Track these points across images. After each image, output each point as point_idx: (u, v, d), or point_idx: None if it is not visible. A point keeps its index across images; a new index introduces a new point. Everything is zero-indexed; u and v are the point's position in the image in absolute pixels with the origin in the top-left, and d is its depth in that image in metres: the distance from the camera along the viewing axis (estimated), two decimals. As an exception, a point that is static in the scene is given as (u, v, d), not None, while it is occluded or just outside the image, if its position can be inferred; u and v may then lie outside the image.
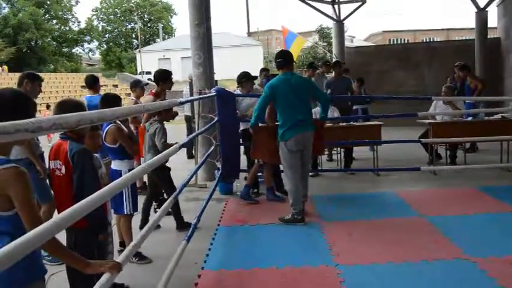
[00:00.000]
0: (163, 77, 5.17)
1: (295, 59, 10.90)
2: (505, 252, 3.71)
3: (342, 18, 14.94)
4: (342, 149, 7.27)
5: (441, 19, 79.81)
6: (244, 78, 5.90)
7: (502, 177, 6.45)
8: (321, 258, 3.73)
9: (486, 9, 13.03)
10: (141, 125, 5.31)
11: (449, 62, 10.33)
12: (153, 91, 5.41)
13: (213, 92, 5.82)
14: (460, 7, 64.01)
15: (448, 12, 77.13)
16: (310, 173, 5.65)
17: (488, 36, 13.42)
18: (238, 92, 6.04)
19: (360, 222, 4.68)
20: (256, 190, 5.85)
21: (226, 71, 27.64)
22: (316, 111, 5.70)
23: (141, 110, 3.80)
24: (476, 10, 13.05)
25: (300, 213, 4.64)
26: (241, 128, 5.83)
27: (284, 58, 4.81)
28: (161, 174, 4.40)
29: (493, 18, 14.00)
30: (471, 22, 13.37)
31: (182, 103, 3.82)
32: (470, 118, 7.20)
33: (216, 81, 9.79)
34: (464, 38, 29.71)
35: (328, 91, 7.29)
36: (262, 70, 7.12)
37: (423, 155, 7.26)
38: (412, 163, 6.83)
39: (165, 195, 4.67)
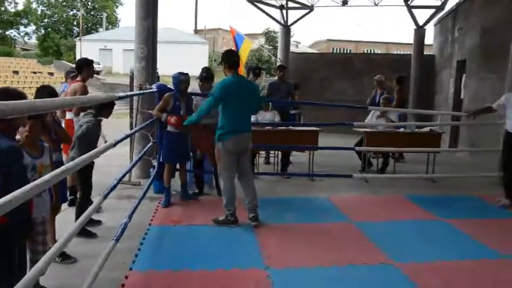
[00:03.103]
0: (87, 63, 5.27)
1: (245, 61, 10.97)
2: (427, 258, 3.93)
3: (289, 23, 15.17)
4: (279, 153, 7.37)
5: (382, 32, 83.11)
6: (208, 75, 5.67)
7: (428, 186, 6.81)
8: (252, 261, 3.75)
9: (424, 27, 13.78)
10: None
11: (388, 74, 10.78)
12: (79, 78, 5.22)
13: (153, 88, 5.69)
14: (401, 23, 67.15)
15: (389, 27, 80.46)
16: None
17: (425, 53, 14.20)
18: (198, 90, 5.81)
19: (292, 226, 4.77)
20: (199, 190, 5.84)
21: (170, 67, 27.15)
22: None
23: (76, 103, 3.67)
24: (415, 27, 13.77)
25: (233, 215, 4.63)
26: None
27: (238, 59, 4.80)
28: (80, 170, 4.08)
29: (430, 36, 14.86)
30: (410, 38, 14.08)
31: (121, 98, 3.69)
32: (402, 129, 7.55)
33: (159, 76, 9.62)
34: (402, 52, 31.15)
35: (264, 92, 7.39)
36: (255, 69, 7.28)
37: (356, 163, 7.52)
38: (345, 170, 7.04)
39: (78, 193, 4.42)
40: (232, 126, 4.52)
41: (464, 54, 10.83)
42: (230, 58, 4.66)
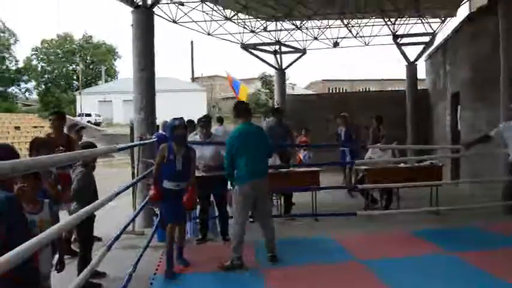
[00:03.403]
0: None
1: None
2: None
3: (283, 67, 15.54)
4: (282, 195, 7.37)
5: (376, 70, 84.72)
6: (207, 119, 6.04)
7: (432, 220, 6.77)
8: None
9: (415, 63, 14.12)
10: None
11: (384, 111, 10.95)
12: None
13: (153, 138, 5.78)
14: (393, 60, 68.53)
15: (383, 64, 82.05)
16: (250, 219, 5.67)
17: (419, 87, 14.47)
18: (197, 137, 5.97)
19: (298, 267, 4.72)
20: (202, 236, 5.83)
21: (169, 116, 27.49)
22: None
23: (78, 157, 3.73)
24: (406, 64, 14.11)
25: (240, 259, 4.65)
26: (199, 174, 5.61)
27: (246, 108, 5.17)
28: (80, 223, 4.01)
29: (422, 71, 15.21)
30: (403, 74, 14.40)
31: (121, 149, 3.77)
32: (402, 165, 7.60)
33: (158, 126, 9.75)
34: (397, 88, 31.66)
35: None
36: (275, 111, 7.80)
37: (359, 200, 7.51)
38: (348, 208, 7.03)
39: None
40: (248, 170, 4.72)
41: (457, 86, 11.03)
42: (239, 107, 5.10)
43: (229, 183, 5.28)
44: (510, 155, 5.80)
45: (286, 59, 15.75)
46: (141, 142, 5.99)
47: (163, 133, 6.15)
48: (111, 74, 55.92)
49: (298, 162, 9.09)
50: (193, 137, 6.22)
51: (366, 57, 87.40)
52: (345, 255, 5.10)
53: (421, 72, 15.20)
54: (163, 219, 4.87)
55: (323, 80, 46.65)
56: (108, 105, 43.22)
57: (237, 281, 4.36)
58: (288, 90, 30.08)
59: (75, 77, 53.39)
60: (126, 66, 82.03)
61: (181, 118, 4.71)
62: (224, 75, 16.39)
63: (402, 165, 7.59)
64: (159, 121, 7.61)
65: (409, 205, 7.79)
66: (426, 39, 13.94)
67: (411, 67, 14.09)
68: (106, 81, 51.45)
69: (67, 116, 6.25)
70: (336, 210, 7.13)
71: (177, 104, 30.70)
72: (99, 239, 5.20)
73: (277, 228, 6.39)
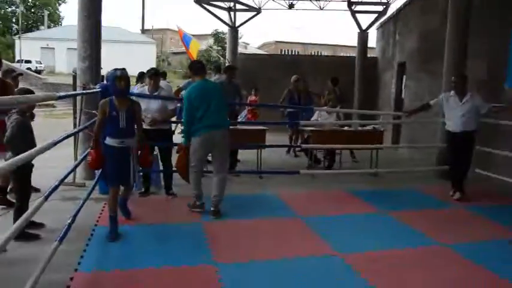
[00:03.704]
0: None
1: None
2: (368, 248, 4.12)
3: (236, 25, 15.27)
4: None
5: (330, 35, 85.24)
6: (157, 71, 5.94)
7: (371, 181, 7.12)
8: (201, 258, 3.79)
9: (367, 31, 14.34)
10: None
11: (333, 76, 11.09)
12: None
13: (97, 88, 5.57)
14: (346, 26, 69.19)
15: (337, 30, 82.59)
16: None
17: (368, 55, 14.76)
18: (145, 89, 5.82)
19: (241, 221, 4.86)
20: (145, 189, 5.81)
21: (117, 67, 26.46)
22: None
23: (13, 102, 3.54)
24: (358, 31, 14.30)
25: (202, 199, 5.11)
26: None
27: (202, 66, 5.30)
28: (16, 172, 3.78)
29: (374, 39, 15.48)
30: (355, 41, 14.60)
31: (61, 97, 3.61)
32: (346, 128, 7.84)
33: (103, 76, 9.38)
34: (348, 55, 32.12)
35: None
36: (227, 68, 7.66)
37: (304, 160, 7.73)
38: (292, 167, 7.21)
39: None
40: (206, 123, 4.87)
41: (404, 56, 11.37)
42: (196, 65, 5.26)
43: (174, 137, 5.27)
44: (446, 124, 6.16)
45: (240, 17, 15.49)
46: (84, 92, 5.77)
47: (106, 83, 5.93)
48: (55, 20, 52.57)
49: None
50: (141, 89, 6.08)
51: (320, 21, 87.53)
52: (286, 212, 5.28)
53: (373, 40, 15.53)
54: (107, 179, 4.45)
55: (276, 41, 46.42)
56: (50, 53, 40.84)
57: (177, 233, 4.42)
58: (241, 49, 29.74)
59: (14, 20, 49.80)
60: (71, 12, 77.42)
61: (124, 69, 4.26)
62: (176, 29, 15.88)
63: (346, 128, 7.83)
64: (104, 72, 7.32)
65: (351, 167, 8.15)
66: (380, 8, 14.12)
67: (363, 35, 14.32)
68: (49, 26, 48.33)
69: (3, 61, 5.84)
70: (280, 168, 7.30)
71: (125, 56, 29.61)
72: (37, 190, 5.04)
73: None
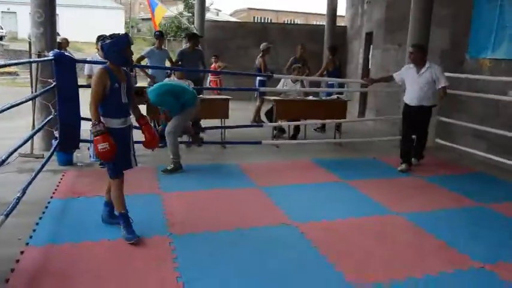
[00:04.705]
0: None
1: (157, 28, 10.92)
2: (323, 217, 4.19)
3: (205, -10, 14.85)
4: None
5: (302, 3, 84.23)
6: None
7: (334, 151, 7.20)
8: (156, 229, 3.77)
9: (337, -1, 14.19)
10: None
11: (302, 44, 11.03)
12: None
13: (50, 56, 5.35)
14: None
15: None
16: (160, 144, 5.64)
17: (339, 24, 14.64)
18: (97, 56, 5.75)
19: (199, 192, 4.83)
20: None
21: (84, 33, 25.59)
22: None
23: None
24: (327, -2, 14.13)
25: (179, 162, 5.52)
26: None
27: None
28: None
29: (344, 8, 15.34)
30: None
31: (3, 66, 3.44)
32: (311, 97, 7.84)
33: (67, 39, 9.03)
34: (320, 23, 31.89)
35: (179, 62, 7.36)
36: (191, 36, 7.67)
37: (268, 129, 7.72)
38: (257, 137, 7.21)
39: None
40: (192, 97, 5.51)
41: (371, 26, 11.34)
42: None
43: None
44: (404, 95, 6.15)
45: (209, -18, 15.06)
46: (37, 59, 5.54)
47: (60, 51, 5.71)
48: (16, -18, 50.02)
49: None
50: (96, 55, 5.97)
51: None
52: (246, 182, 5.29)
53: (344, 8, 15.37)
54: (109, 170, 3.59)
55: (248, 8, 45.62)
56: (12, 17, 39.02)
57: (134, 205, 4.34)
58: (212, 16, 29.14)
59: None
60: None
61: (127, 34, 3.65)
62: (143, -7, 15.34)
63: (311, 97, 7.82)
64: (72, 38, 7.04)
65: (316, 136, 8.20)
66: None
67: (332, 3, 14.15)
68: (10, -11, 45.97)
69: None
70: (244, 138, 7.28)
71: (90, 22, 28.58)
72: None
73: (184, 154, 6.47)
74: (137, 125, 3.79)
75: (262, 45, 9.22)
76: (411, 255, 3.48)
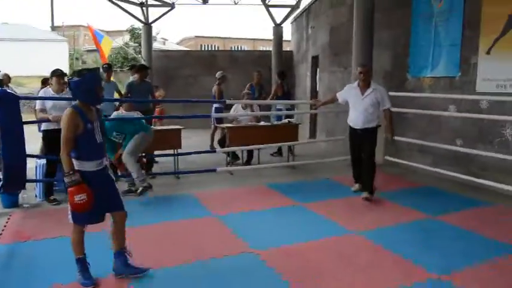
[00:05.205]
0: None
1: (106, 60, 10.87)
2: (283, 242, 4.17)
3: (150, 21, 14.84)
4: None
5: (249, 29, 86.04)
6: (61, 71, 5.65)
7: (288, 174, 7.27)
8: (108, 268, 3.60)
9: (282, 25, 14.61)
10: None
11: (249, 70, 11.23)
12: None
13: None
14: (264, 21, 69.97)
15: (256, 24, 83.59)
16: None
17: (285, 49, 15.02)
18: (50, 90, 5.56)
19: (154, 226, 4.70)
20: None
21: (26, 67, 24.75)
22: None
23: None
24: (273, 25, 14.52)
25: (146, 182, 5.64)
26: (44, 128, 5.53)
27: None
28: None
29: (289, 33, 15.79)
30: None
31: None
32: (262, 123, 7.93)
33: (8, 75, 8.66)
34: (268, 48, 32.57)
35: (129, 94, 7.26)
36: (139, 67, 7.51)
37: (222, 157, 7.71)
38: (211, 165, 7.17)
39: None
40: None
41: (317, 50, 11.71)
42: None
43: None
44: (348, 117, 5.94)
45: (154, 12, 15.06)
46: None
47: (2, 88, 5.48)
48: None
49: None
50: (44, 89, 5.80)
51: (239, 16, 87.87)
52: (201, 211, 5.21)
53: (289, 34, 15.82)
54: (77, 217, 3.28)
55: (195, 36, 45.93)
56: None
57: (85, 241, 4.18)
58: (159, 46, 29.06)
59: None
60: (-31, 9, 71.21)
61: (97, 70, 3.52)
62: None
63: (262, 123, 7.91)
64: (14, 72, 6.77)
65: (270, 160, 8.27)
66: (293, 2, 14.42)
67: (278, 29, 14.57)
68: None
69: None
70: (198, 167, 7.22)
71: (34, 55, 27.72)
72: None
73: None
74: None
75: (218, 74, 9.30)
76: (372, 273, 3.53)
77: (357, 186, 6.09)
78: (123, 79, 12.52)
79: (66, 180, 3.08)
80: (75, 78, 3.18)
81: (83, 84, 3.16)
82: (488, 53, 6.11)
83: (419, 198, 5.74)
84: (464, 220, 4.82)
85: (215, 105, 9.09)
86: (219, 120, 8.58)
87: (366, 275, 3.49)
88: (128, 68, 9.15)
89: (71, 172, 3.07)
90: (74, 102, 3.30)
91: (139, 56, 14.70)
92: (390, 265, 3.68)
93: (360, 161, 5.90)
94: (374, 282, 3.35)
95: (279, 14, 14.67)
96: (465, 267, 3.57)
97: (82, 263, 3.35)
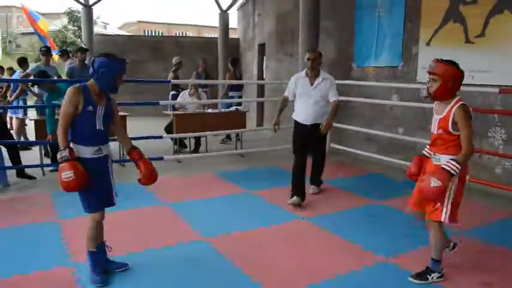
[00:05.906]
0: None
1: (51, 40, 10.25)
2: (234, 229, 4.18)
3: (90, 3, 14.18)
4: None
5: (194, 16, 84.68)
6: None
7: (237, 162, 7.26)
8: (56, 260, 3.46)
9: (228, 12, 14.46)
10: None
11: (195, 57, 11.07)
12: None
13: None
14: (210, 7, 69.15)
15: (201, 10, 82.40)
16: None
17: (231, 36, 14.90)
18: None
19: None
20: None
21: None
22: None
23: None
24: (219, 11, 14.34)
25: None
26: None
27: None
28: None
29: (235, 20, 15.67)
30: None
31: None
32: (210, 110, 7.85)
33: None
34: (213, 35, 32.22)
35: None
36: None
37: (170, 145, 7.57)
38: (158, 153, 7.00)
39: None
40: None
41: (263, 37, 11.72)
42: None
43: None
44: (294, 111, 5.35)
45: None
46: None
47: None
48: None
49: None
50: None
51: (183, 1, 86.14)
52: (151, 200, 5.10)
53: (235, 21, 15.71)
54: (85, 203, 3.23)
55: (138, 21, 44.59)
56: None
57: (31, 237, 3.98)
58: (100, 30, 27.91)
59: None
60: None
61: (124, 61, 3.14)
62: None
63: (210, 110, 7.83)
64: None
65: (219, 148, 8.21)
66: (239, -12, 14.31)
67: (224, 15, 14.40)
68: None
69: None
70: (145, 154, 7.00)
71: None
72: None
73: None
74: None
75: (175, 59, 8.99)
76: (323, 257, 3.61)
77: (295, 199, 4.92)
78: (62, 64, 11.95)
79: (57, 156, 2.90)
80: (102, 58, 2.96)
81: (106, 67, 2.94)
82: (428, 44, 6.37)
83: (364, 185, 5.94)
84: (407, 204, 5.02)
85: (172, 92, 8.85)
86: (175, 109, 8.37)
87: (317, 259, 3.56)
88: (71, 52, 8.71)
89: (62, 148, 2.88)
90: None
91: (80, 40, 14.04)
92: (339, 249, 3.78)
93: (305, 169, 5.11)
94: (324, 266, 3.42)
95: (225, 0, 14.54)
96: (411, 250, 3.72)
97: (93, 257, 3.21)
